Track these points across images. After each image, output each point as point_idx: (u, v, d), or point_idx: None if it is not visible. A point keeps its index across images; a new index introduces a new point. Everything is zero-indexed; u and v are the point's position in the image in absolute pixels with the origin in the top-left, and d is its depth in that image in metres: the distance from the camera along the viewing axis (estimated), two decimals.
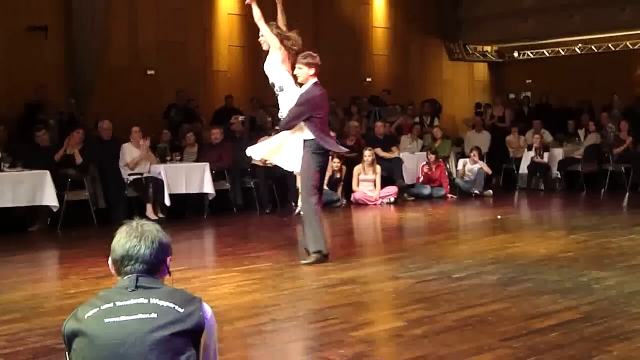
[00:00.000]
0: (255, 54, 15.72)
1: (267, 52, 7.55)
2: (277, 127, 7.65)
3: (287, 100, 7.38)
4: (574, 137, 15.53)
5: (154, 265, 2.51)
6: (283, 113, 7.44)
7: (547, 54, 19.64)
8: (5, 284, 6.77)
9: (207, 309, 2.49)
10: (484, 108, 17.96)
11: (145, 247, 2.49)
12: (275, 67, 7.41)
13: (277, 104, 7.63)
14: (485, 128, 16.49)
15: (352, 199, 12.87)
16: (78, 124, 12.05)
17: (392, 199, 12.98)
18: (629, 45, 18.08)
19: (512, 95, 19.89)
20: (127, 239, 2.51)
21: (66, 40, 13.64)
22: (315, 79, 7.35)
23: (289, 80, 7.40)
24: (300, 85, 7.41)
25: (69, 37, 13.61)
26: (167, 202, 11.19)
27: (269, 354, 4.73)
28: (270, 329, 5.37)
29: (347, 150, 9.57)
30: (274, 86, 7.47)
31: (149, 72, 14.67)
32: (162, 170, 11.29)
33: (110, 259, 2.55)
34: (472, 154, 14.06)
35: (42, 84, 12.74)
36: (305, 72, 7.34)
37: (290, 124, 7.33)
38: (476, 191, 13.79)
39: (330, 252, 7.49)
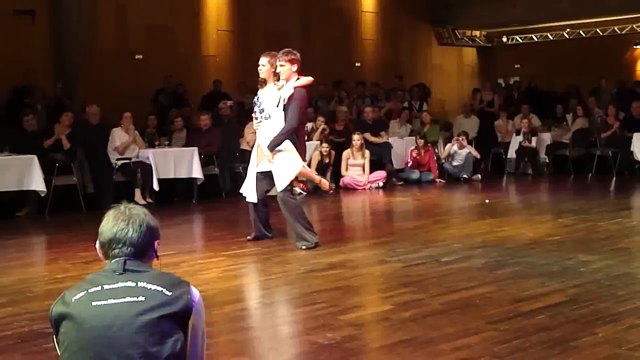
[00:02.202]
0: (243, 39, 15.79)
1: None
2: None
3: (270, 127, 7.38)
4: (562, 122, 15.57)
5: (142, 249, 2.51)
6: (264, 140, 7.39)
7: (536, 39, 19.65)
8: None
9: (195, 293, 2.50)
10: (473, 92, 17.97)
11: (133, 230, 2.49)
12: (274, 99, 7.43)
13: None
14: (474, 113, 16.52)
15: (340, 183, 12.88)
16: (65, 109, 11.98)
17: (381, 184, 13.01)
18: (617, 30, 18.11)
19: (500, 80, 19.91)
20: (115, 222, 2.51)
21: (53, 25, 13.55)
22: (297, 76, 7.38)
23: (275, 111, 7.42)
24: (280, 81, 7.42)
25: (56, 21, 13.52)
26: (156, 187, 11.15)
27: (257, 337, 4.75)
28: (259, 313, 5.41)
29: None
30: (262, 112, 7.45)
31: (137, 56, 14.60)
32: (150, 155, 11.25)
33: (97, 242, 2.55)
34: (460, 138, 14.09)
35: (29, 68, 12.66)
36: (288, 68, 7.33)
37: (295, 122, 7.29)
38: (465, 176, 13.82)
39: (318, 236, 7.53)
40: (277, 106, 7.38)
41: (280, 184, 7.35)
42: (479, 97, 17.53)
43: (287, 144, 7.32)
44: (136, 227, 2.50)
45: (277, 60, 7.35)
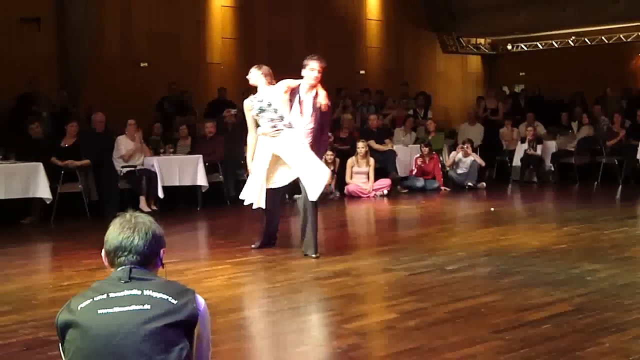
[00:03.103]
0: (248, 47, 15.81)
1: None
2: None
3: (292, 136, 7.25)
4: (567, 130, 15.55)
5: (148, 257, 2.51)
6: (286, 149, 7.28)
7: (541, 47, 19.64)
8: None
9: (201, 301, 2.49)
10: (477, 100, 17.96)
11: (138, 238, 2.49)
12: (282, 102, 7.35)
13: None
14: (479, 120, 16.51)
15: (345, 191, 12.87)
16: (70, 116, 12.01)
17: (386, 192, 12.99)
18: (622, 38, 18.09)
19: (505, 88, 19.90)
20: (121, 230, 2.51)
21: (59, 32, 13.59)
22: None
23: (298, 118, 7.33)
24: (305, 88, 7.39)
25: (61, 29, 13.56)
26: (161, 194, 11.18)
27: (262, 346, 4.75)
28: (263, 321, 5.39)
29: None
30: (282, 119, 7.27)
31: (142, 64, 14.63)
32: (155, 163, 11.28)
33: (103, 250, 2.55)
34: (464, 146, 14.07)
35: (34, 75, 12.69)
36: (320, 76, 7.35)
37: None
38: (469, 183, 13.80)
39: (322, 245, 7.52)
40: (305, 114, 7.30)
41: (315, 192, 7.16)
42: (483, 104, 17.52)
43: (309, 149, 7.26)
44: (142, 235, 2.50)
45: (312, 63, 7.29)
